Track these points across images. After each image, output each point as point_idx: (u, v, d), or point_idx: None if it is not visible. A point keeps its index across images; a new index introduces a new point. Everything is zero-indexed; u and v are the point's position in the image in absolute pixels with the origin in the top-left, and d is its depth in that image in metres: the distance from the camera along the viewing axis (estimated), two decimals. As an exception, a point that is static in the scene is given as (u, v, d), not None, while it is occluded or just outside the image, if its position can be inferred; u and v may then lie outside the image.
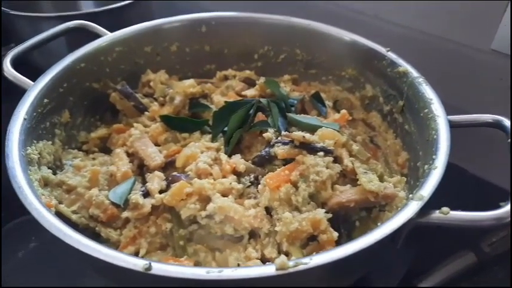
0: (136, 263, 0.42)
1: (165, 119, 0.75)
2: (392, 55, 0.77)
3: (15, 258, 0.79)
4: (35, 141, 0.63)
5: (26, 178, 0.53)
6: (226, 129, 0.73)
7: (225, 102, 0.78)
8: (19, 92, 0.68)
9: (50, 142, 0.68)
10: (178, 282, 0.42)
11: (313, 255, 0.44)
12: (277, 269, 0.42)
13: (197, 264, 0.59)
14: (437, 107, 0.64)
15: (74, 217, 0.61)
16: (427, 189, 0.51)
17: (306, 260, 0.43)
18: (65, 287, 0.73)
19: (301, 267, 0.42)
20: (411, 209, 0.49)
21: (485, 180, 0.92)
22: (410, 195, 0.53)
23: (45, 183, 0.62)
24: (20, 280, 0.75)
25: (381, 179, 0.64)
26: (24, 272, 0.77)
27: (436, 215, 0.49)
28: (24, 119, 0.61)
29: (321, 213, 0.58)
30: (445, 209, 0.49)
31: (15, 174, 0.53)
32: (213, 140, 0.73)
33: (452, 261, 0.84)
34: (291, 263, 0.42)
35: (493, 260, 0.83)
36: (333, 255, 0.44)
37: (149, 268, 0.41)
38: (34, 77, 0.70)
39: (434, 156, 0.56)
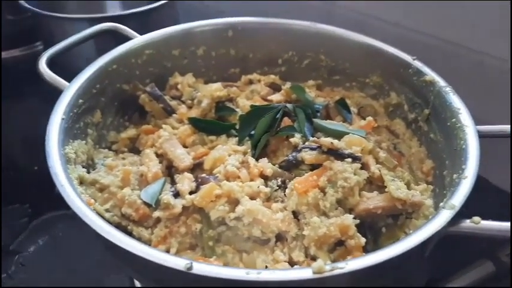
0: (178, 263, 0.43)
1: (193, 121, 0.77)
2: (418, 63, 0.78)
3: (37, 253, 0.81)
4: (71, 141, 0.65)
5: (67, 176, 0.55)
6: (252, 133, 0.75)
7: (251, 106, 0.79)
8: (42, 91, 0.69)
9: (84, 142, 0.70)
10: (217, 282, 0.43)
11: (348, 260, 0.45)
12: (314, 273, 0.43)
13: (226, 264, 0.61)
14: (465, 117, 0.65)
15: (107, 215, 0.62)
16: (458, 198, 0.52)
17: (341, 264, 0.44)
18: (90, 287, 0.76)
19: (337, 272, 0.43)
20: (443, 217, 0.50)
21: (506, 191, 0.92)
22: (441, 204, 0.54)
23: (81, 182, 0.63)
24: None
25: (408, 186, 0.65)
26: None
27: (467, 224, 0.50)
28: (62, 118, 0.63)
29: (349, 219, 0.59)
30: (476, 218, 0.50)
31: (56, 172, 0.55)
32: (240, 143, 0.74)
33: (470, 270, 0.84)
34: (327, 267, 0.44)
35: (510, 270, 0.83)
36: (368, 261, 0.45)
37: (191, 268, 0.43)
38: (64, 78, 0.72)
39: (463, 166, 0.57)
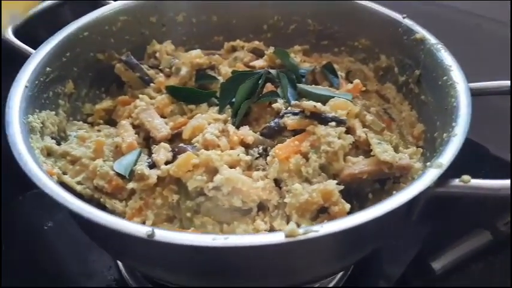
0: (139, 229, 0.40)
1: (171, 90, 0.73)
2: (408, 21, 0.74)
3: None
4: (37, 110, 0.61)
5: (27, 145, 0.52)
6: (233, 100, 0.71)
7: (232, 72, 0.75)
8: (21, 62, 0.66)
9: (54, 113, 0.66)
10: (182, 249, 0.40)
11: (324, 223, 0.41)
12: (286, 236, 0.40)
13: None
14: (456, 74, 0.61)
15: (78, 188, 0.59)
16: (447, 156, 0.48)
17: (316, 227, 0.41)
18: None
19: (311, 235, 0.40)
20: (429, 176, 0.46)
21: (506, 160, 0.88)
22: (428, 163, 0.50)
23: (49, 153, 0.60)
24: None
25: (396, 150, 0.62)
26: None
27: (456, 183, 0.47)
28: (26, 86, 0.59)
29: (332, 185, 0.55)
30: (465, 177, 0.46)
31: (15, 141, 0.51)
32: (220, 111, 0.71)
33: (467, 240, 0.82)
34: (300, 231, 0.40)
35: (509, 239, 0.80)
36: (346, 223, 0.41)
37: (152, 235, 0.40)
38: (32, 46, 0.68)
39: (454, 124, 0.53)
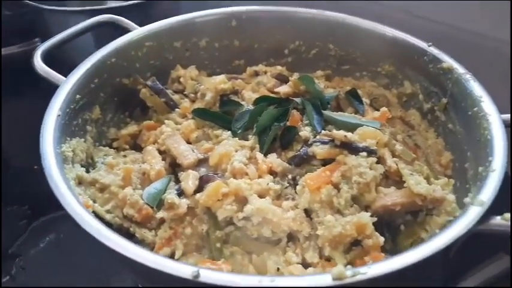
0: (185, 270, 0.40)
1: (197, 113, 0.73)
2: (434, 50, 0.74)
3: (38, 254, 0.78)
4: (68, 139, 0.62)
5: (63, 177, 0.51)
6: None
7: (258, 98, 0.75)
8: (42, 88, 0.66)
9: (83, 139, 0.67)
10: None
11: (370, 265, 0.41)
12: (334, 279, 0.39)
13: (235, 267, 0.57)
14: (488, 105, 0.61)
15: (108, 217, 0.59)
16: (487, 193, 0.48)
17: (363, 269, 0.40)
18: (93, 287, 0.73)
19: (359, 277, 0.39)
20: (471, 215, 0.46)
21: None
22: (468, 199, 0.49)
23: (79, 182, 0.60)
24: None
25: (428, 181, 0.61)
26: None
27: (497, 221, 0.46)
28: (58, 115, 0.59)
29: (366, 217, 0.55)
30: (507, 215, 0.46)
31: (51, 173, 0.51)
32: (240, 133, 0.70)
33: (487, 265, 0.81)
34: (348, 272, 0.40)
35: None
36: (392, 266, 0.41)
37: (197, 276, 0.39)
38: (62, 73, 0.69)
39: (490, 158, 0.53)
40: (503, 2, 0.81)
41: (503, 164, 0.51)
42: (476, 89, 0.64)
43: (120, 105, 0.77)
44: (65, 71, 0.69)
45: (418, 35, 0.78)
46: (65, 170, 0.55)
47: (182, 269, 0.40)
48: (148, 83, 0.77)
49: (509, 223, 0.45)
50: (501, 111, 0.61)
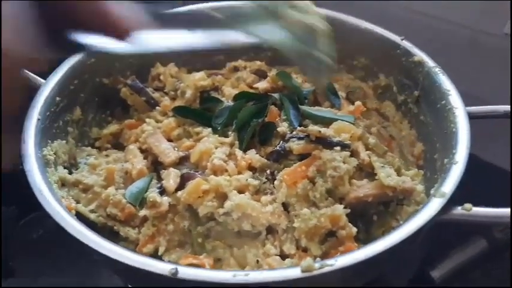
0: (163, 267, 0.42)
1: (178, 111, 0.74)
2: (407, 43, 0.76)
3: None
4: (49, 141, 0.63)
5: (45, 181, 0.53)
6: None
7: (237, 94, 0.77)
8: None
9: (64, 141, 0.67)
10: (205, 284, 0.42)
11: (337, 256, 0.44)
12: (302, 271, 0.42)
13: (216, 261, 0.60)
14: (455, 99, 0.63)
15: (92, 216, 0.61)
16: (449, 185, 0.51)
17: (331, 261, 0.43)
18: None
19: (326, 269, 0.42)
20: (433, 206, 0.49)
21: (501, 168, 0.91)
22: (432, 191, 0.52)
23: (62, 184, 0.61)
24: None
25: (398, 172, 0.64)
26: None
27: (459, 211, 0.49)
28: (38, 119, 0.60)
29: (339, 209, 0.58)
30: (467, 205, 0.49)
31: (34, 178, 0.52)
32: (216, 131, 0.71)
33: (464, 248, 0.84)
34: (316, 265, 0.42)
35: (505, 247, 0.83)
36: (358, 256, 0.44)
37: (176, 273, 0.42)
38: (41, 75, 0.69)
39: (454, 151, 0.55)
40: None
41: (465, 157, 0.54)
42: (445, 82, 0.67)
43: (101, 104, 0.78)
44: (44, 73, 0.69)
45: (394, 24, 0.79)
46: (47, 173, 0.56)
47: (161, 266, 0.43)
48: (129, 82, 0.78)
49: (468, 212, 0.48)
50: (468, 99, 0.63)
